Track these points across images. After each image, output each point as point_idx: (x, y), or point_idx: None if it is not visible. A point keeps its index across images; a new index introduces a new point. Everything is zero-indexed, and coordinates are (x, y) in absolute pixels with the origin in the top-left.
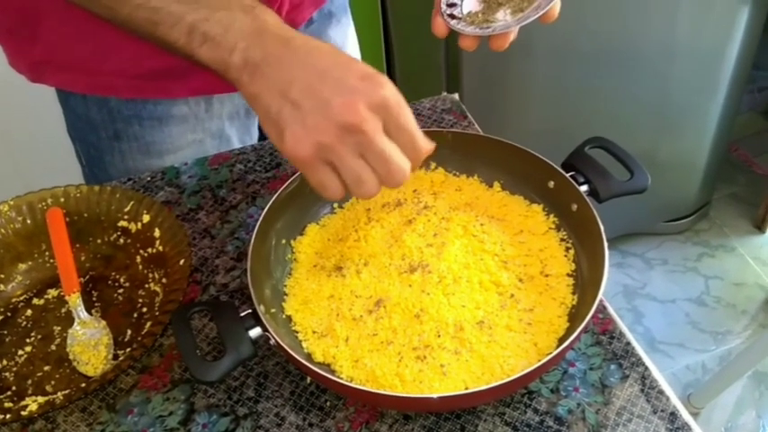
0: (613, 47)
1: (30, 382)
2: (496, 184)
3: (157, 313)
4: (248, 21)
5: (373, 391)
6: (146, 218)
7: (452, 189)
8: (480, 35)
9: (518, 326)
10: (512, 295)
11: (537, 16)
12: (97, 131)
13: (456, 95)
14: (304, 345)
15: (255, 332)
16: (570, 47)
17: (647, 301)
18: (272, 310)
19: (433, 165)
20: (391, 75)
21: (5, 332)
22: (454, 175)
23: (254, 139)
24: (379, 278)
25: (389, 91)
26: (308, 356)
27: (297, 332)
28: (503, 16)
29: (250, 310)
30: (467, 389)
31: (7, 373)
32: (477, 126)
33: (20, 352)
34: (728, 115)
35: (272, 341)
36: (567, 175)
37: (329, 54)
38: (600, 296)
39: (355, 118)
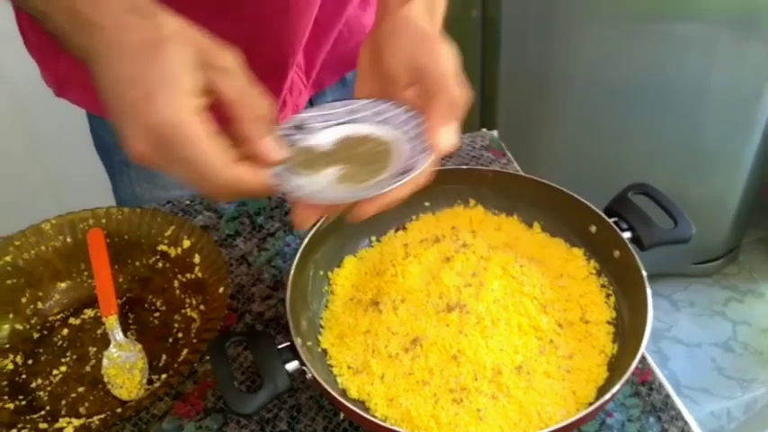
0: (649, 85)
1: (64, 402)
2: (536, 225)
3: (195, 340)
4: None
5: None
6: (186, 243)
7: (492, 228)
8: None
9: (557, 373)
10: (551, 341)
11: (359, 198)
12: (110, 153)
13: (495, 132)
14: (339, 380)
15: (292, 365)
16: (606, 84)
17: (673, 343)
18: (309, 343)
19: (472, 202)
20: None
21: (41, 350)
22: (493, 213)
23: None
24: (416, 316)
25: (161, 119)
26: (343, 392)
27: (332, 366)
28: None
29: (288, 343)
30: None
31: (42, 393)
32: (516, 164)
33: (54, 371)
34: (763, 158)
35: (309, 375)
36: (611, 220)
37: (121, 56)
38: (642, 348)
39: (135, 153)
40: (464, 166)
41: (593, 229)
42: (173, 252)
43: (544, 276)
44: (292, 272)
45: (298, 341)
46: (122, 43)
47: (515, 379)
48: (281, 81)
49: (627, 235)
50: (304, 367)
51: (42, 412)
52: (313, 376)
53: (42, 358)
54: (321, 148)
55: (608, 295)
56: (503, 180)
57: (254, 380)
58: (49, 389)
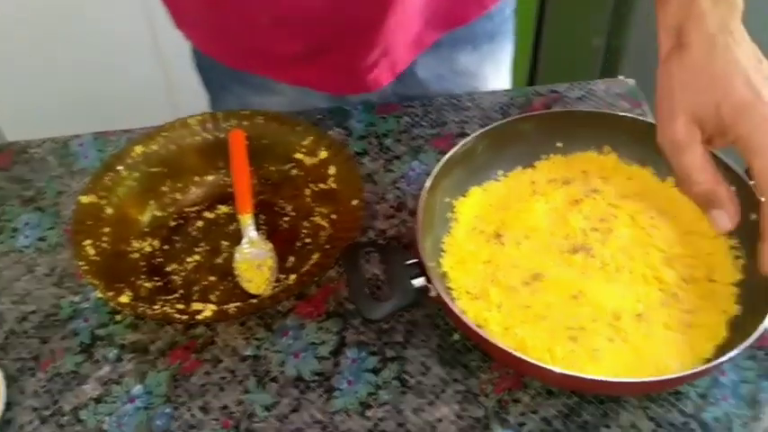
0: None
1: (196, 288)
2: (670, 179)
3: (327, 247)
4: None
5: (526, 358)
6: (323, 154)
7: (623, 176)
8: None
9: (677, 326)
10: (674, 294)
11: None
12: (206, 76)
13: (632, 81)
14: (457, 303)
15: (419, 281)
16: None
17: None
18: (431, 264)
19: (606, 148)
20: (537, 51)
21: (177, 238)
22: (626, 162)
23: None
24: (539, 252)
25: None
26: (461, 314)
27: (451, 289)
28: None
29: (415, 260)
30: (617, 377)
31: (176, 277)
32: (651, 117)
33: (188, 259)
34: None
35: (433, 293)
36: (751, 183)
37: None
38: None
39: None
40: (602, 110)
41: (731, 189)
42: (308, 161)
43: (673, 231)
44: (424, 194)
45: (424, 259)
46: None
47: (634, 325)
48: (373, 39)
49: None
50: (429, 285)
51: (176, 295)
52: (438, 294)
53: (177, 245)
54: None
55: (737, 257)
56: (641, 129)
57: (373, 291)
58: (182, 274)
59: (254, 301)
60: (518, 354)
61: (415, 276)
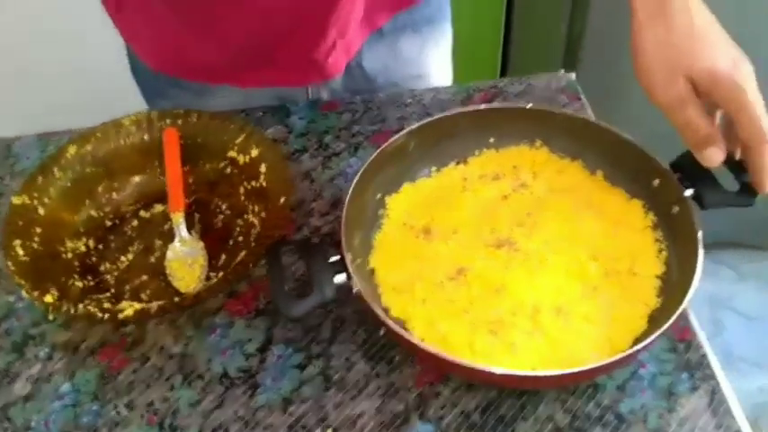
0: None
1: (127, 287)
2: (599, 173)
3: (254, 244)
4: None
5: (442, 355)
6: (254, 152)
7: (554, 170)
8: None
9: (596, 318)
10: (595, 287)
11: None
12: (143, 83)
13: (573, 75)
14: (383, 298)
15: (340, 278)
16: None
17: (732, 314)
18: (359, 260)
19: (538, 142)
20: (507, 41)
21: (112, 238)
22: (558, 156)
23: None
24: (466, 247)
25: None
26: (385, 310)
27: (378, 285)
28: None
29: (338, 257)
30: (533, 370)
31: (108, 276)
32: (589, 110)
33: (122, 258)
34: None
35: (355, 290)
36: (675, 176)
37: None
38: (685, 305)
39: None
40: (532, 106)
41: (656, 182)
42: (241, 159)
43: (599, 224)
44: (351, 190)
45: (348, 256)
46: None
47: (553, 319)
48: (329, 19)
49: (689, 192)
50: (351, 282)
51: (108, 294)
52: (358, 291)
53: (112, 245)
54: None
55: (660, 250)
56: (571, 124)
57: (303, 288)
58: (115, 273)
59: (177, 299)
60: (431, 349)
61: (337, 273)
